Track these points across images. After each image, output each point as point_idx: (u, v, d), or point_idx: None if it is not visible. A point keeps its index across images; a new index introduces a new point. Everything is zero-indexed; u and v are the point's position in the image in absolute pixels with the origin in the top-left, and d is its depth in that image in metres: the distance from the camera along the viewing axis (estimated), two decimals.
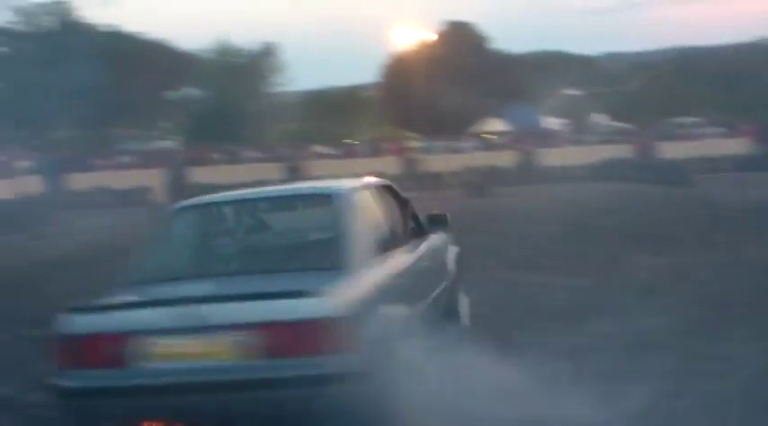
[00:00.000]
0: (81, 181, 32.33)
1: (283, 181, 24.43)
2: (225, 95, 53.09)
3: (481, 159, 36.04)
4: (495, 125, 45.58)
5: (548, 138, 41.11)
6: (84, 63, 41.40)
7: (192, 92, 57.75)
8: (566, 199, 24.36)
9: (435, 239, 7.80)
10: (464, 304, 8.33)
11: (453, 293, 7.96)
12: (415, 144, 42.01)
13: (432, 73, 48.41)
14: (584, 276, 11.03)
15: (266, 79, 58.94)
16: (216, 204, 6.81)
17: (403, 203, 7.29)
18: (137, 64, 48.04)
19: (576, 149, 38.22)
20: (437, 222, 7.88)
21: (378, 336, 5.18)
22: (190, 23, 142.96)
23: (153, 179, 32.91)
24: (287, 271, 5.81)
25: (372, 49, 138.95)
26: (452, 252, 8.30)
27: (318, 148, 42.83)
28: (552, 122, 48.19)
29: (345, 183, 6.66)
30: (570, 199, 23.93)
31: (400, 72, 51.18)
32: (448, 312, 7.60)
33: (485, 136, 41.91)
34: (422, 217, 7.68)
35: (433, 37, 52.70)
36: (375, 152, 40.65)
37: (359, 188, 6.59)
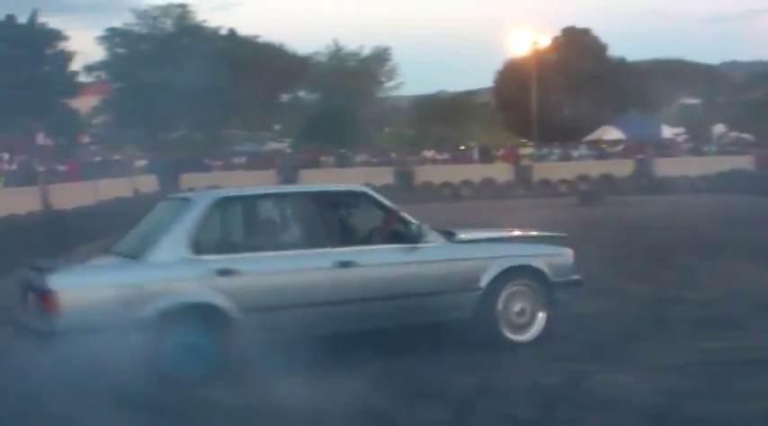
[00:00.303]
0: (194, 180, 32.80)
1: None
2: (337, 98, 53.45)
3: (595, 167, 35.35)
4: (611, 133, 44.65)
5: (665, 148, 40.08)
6: (201, 65, 42.17)
7: (304, 95, 58.37)
8: (683, 209, 23.67)
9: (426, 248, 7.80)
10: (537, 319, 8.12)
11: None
12: (528, 150, 41.49)
13: (548, 79, 47.86)
14: (705, 289, 10.58)
15: (379, 83, 59.20)
16: None
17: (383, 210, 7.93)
18: (251, 66, 48.76)
19: (694, 159, 37.21)
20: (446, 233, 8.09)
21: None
22: (304, 27, 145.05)
23: (264, 180, 33.22)
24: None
25: (487, 54, 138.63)
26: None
27: (430, 153, 42.63)
28: (670, 132, 47.01)
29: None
30: (687, 210, 23.23)
31: (515, 77, 50.78)
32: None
33: (602, 145, 41.08)
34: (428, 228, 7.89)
35: (550, 42, 52.06)
36: (487, 158, 40.25)
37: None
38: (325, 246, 7.52)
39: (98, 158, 35.62)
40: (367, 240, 7.92)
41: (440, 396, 6.55)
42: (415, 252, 7.70)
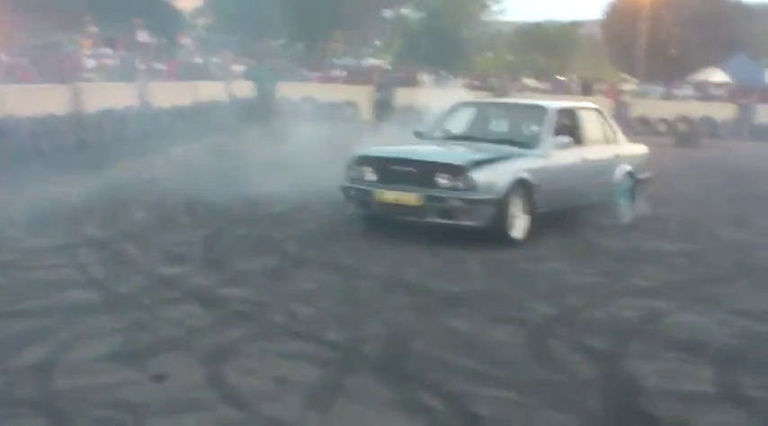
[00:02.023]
0: (291, 90, 32.89)
1: None
2: (440, 18, 52.79)
3: (696, 109, 34.44)
4: (716, 75, 43.37)
5: None
6: None
7: (408, 12, 57.77)
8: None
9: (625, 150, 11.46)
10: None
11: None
12: (629, 86, 40.58)
13: (657, 15, 46.58)
14: None
15: (484, 6, 58.23)
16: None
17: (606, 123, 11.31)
18: None
19: None
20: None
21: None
22: None
23: (360, 96, 33.20)
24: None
25: None
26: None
27: (530, 81, 42.02)
28: None
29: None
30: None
31: (626, 11, 49.54)
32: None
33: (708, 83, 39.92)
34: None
35: None
36: (587, 90, 39.50)
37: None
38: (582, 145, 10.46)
39: (198, 60, 35.82)
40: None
41: (516, 321, 6.56)
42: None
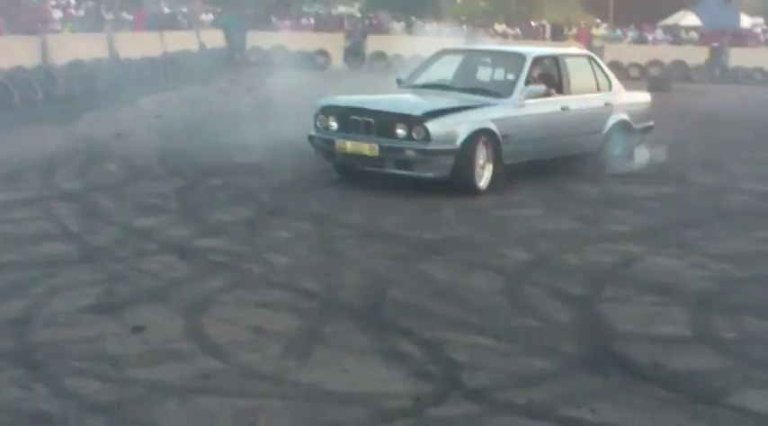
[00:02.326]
0: (261, 39, 32.60)
1: None
2: None
3: (669, 53, 34.45)
4: (689, 19, 43.29)
5: (742, 38, 38.87)
6: None
7: None
8: (754, 102, 23.10)
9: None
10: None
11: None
12: (601, 31, 40.49)
13: None
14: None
15: None
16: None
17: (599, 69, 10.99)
18: None
19: None
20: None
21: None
22: None
23: (331, 44, 32.96)
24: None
25: None
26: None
27: (500, 27, 41.82)
28: (749, 21, 45.44)
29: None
30: (759, 104, 22.67)
31: None
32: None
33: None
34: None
35: None
36: (559, 36, 39.38)
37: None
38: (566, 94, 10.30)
39: (166, 10, 35.39)
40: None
41: (492, 268, 6.60)
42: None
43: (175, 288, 5.90)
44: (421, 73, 10.73)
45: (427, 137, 8.78)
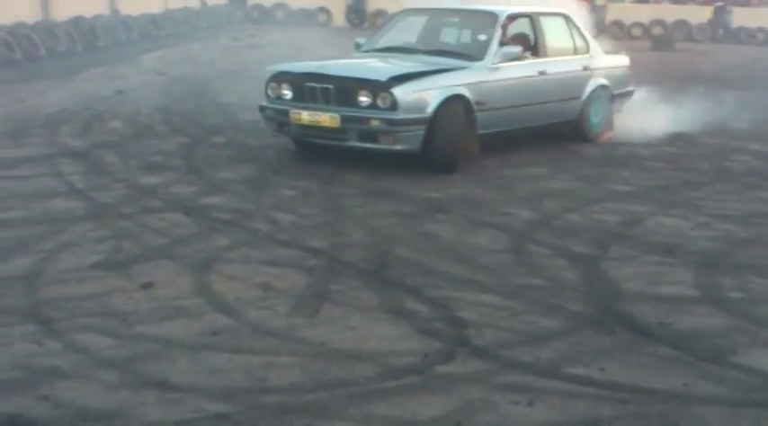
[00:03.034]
0: None
1: None
2: None
3: (672, 12, 34.25)
4: None
5: None
6: None
7: None
8: (756, 62, 22.99)
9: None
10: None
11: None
12: None
13: None
14: None
15: None
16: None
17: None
18: None
19: None
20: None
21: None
22: None
23: (333, 1, 32.77)
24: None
25: None
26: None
27: None
28: None
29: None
30: (762, 63, 22.57)
31: None
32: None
33: None
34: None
35: None
36: None
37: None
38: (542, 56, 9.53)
39: None
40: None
41: (497, 227, 6.62)
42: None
43: (182, 246, 5.92)
44: (383, 36, 9.87)
45: (394, 104, 7.90)
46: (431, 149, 8.15)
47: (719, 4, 34.16)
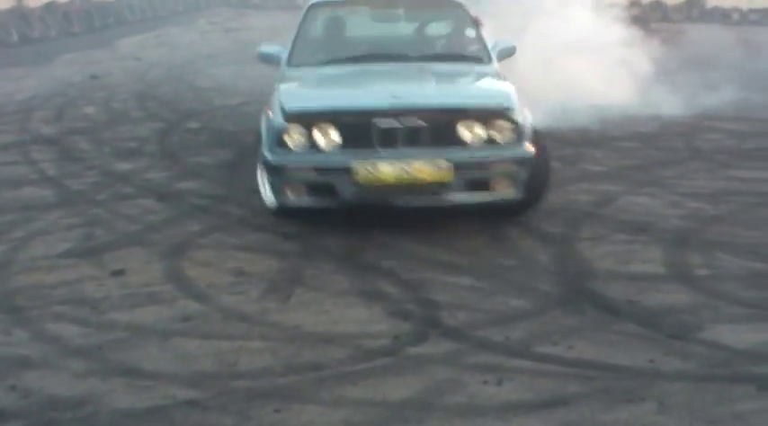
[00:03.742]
0: None
1: None
2: None
3: None
4: None
5: None
6: None
7: None
8: (732, 41, 23.00)
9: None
10: None
11: None
12: None
13: None
14: (745, 121, 10.47)
15: None
16: None
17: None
18: None
19: None
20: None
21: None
22: None
23: None
24: None
25: None
26: None
27: None
28: None
29: None
30: (736, 43, 22.59)
31: None
32: None
33: None
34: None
35: None
36: None
37: None
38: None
39: None
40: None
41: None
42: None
43: (155, 232, 5.92)
44: (311, 41, 7.39)
45: (520, 136, 5.95)
46: (531, 192, 6.17)
47: None
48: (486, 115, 5.88)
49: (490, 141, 5.88)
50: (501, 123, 5.88)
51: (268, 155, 5.88)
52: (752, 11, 31.18)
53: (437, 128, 5.79)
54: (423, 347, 4.29)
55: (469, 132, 5.84)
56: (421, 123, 5.78)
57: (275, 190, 5.96)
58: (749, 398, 3.83)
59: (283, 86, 6.40)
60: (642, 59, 11.92)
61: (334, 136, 5.76)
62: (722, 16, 31.65)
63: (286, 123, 5.78)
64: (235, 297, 4.84)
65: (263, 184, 6.18)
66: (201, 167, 7.71)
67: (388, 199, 5.95)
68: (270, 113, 6.04)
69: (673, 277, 5.29)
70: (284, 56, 7.06)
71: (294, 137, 5.77)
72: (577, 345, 4.30)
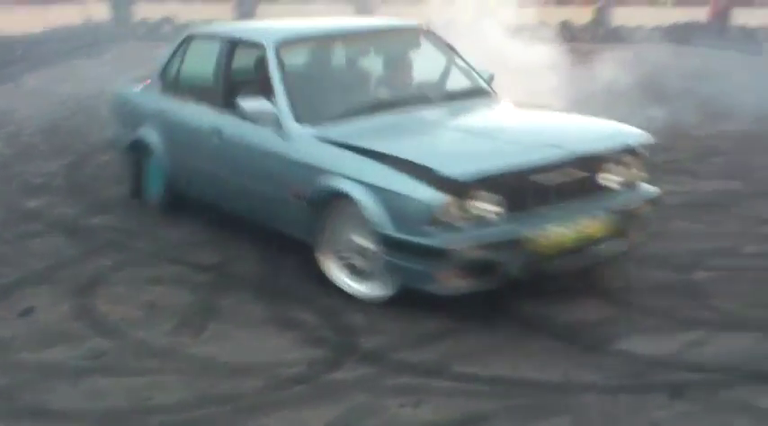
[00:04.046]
0: (149, 11, 31.97)
1: None
2: None
3: (555, 14, 34.97)
4: None
5: None
6: None
7: None
8: (638, 61, 23.53)
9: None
10: None
11: None
12: None
13: None
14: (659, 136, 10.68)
15: None
16: None
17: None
18: None
19: (650, 10, 36.87)
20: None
21: None
22: None
23: (223, 14, 32.54)
24: None
25: None
26: None
27: None
28: None
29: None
30: (642, 61, 23.11)
31: None
32: None
33: None
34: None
35: None
36: None
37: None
38: None
39: None
40: None
41: None
42: None
43: (64, 269, 5.81)
44: (301, 91, 5.82)
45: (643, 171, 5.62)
46: None
47: (601, 4, 35.03)
48: (622, 155, 5.40)
49: (627, 183, 5.42)
50: (633, 161, 5.43)
51: (412, 238, 4.80)
52: (655, 29, 32.01)
53: (584, 176, 5.21)
54: (340, 372, 4.28)
55: (612, 176, 5.34)
56: (577, 173, 5.15)
57: (421, 279, 4.89)
58: (662, 407, 3.89)
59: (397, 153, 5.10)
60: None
61: (493, 202, 4.88)
62: (627, 35, 32.45)
63: (445, 194, 4.75)
64: (147, 331, 4.76)
65: (342, 277, 5.35)
66: (112, 201, 7.58)
67: (557, 266, 5.10)
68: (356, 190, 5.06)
69: (586, 290, 5.35)
70: (282, 111, 5.68)
71: (453, 211, 4.81)
72: (493, 362, 4.33)
